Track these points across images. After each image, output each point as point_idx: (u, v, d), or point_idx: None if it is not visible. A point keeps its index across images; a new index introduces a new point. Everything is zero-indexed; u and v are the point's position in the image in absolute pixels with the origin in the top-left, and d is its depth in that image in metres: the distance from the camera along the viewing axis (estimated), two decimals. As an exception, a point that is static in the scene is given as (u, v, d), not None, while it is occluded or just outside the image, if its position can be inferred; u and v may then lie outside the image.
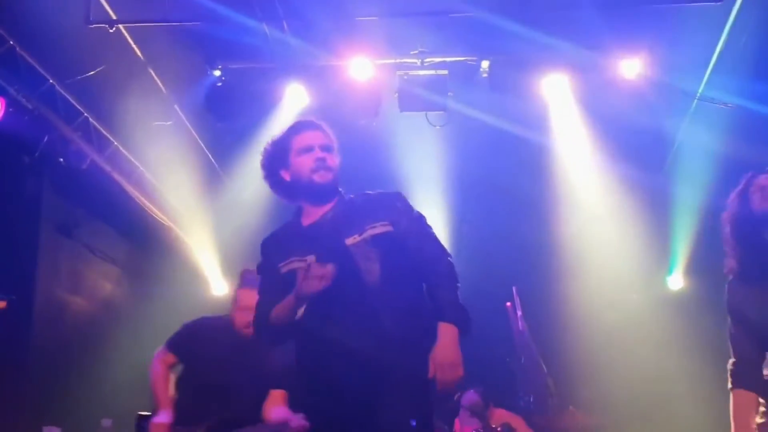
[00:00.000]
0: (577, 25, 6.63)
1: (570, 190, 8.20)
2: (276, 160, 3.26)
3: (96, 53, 6.50)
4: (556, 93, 7.34)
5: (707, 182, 7.70)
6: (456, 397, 6.42)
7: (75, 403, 6.67)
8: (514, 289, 7.01)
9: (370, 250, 3.06)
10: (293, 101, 7.33)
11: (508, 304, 7.23)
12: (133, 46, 6.70)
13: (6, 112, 5.76)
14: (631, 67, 6.92)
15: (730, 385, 3.40)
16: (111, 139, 7.21)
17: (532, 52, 6.92)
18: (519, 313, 6.73)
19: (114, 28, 6.39)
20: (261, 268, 3.29)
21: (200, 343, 4.53)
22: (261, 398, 4.47)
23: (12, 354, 6.11)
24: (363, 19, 6.71)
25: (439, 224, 6.13)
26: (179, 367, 4.63)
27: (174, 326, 7.67)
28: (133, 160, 7.53)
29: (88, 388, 6.92)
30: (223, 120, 7.33)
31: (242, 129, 7.62)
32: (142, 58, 6.81)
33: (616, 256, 8.38)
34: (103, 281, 8.00)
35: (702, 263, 8.37)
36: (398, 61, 7.10)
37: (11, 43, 5.87)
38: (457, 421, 6.32)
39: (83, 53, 6.43)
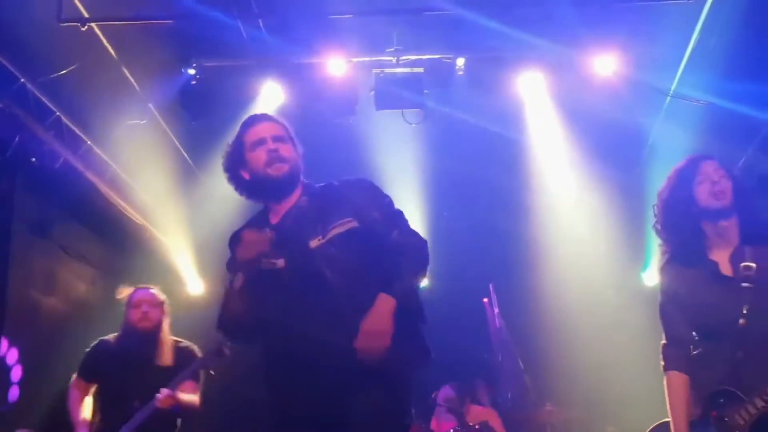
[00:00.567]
0: (552, 23, 6.65)
1: (546, 187, 8.24)
2: (234, 160, 3.23)
3: (68, 51, 6.42)
4: (532, 90, 7.36)
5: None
6: (433, 394, 6.45)
7: (48, 406, 6.57)
8: (490, 286, 7.03)
9: (335, 252, 2.99)
10: (269, 99, 7.28)
11: (485, 300, 7.25)
12: (106, 44, 6.62)
13: (-24, 112, 5.69)
14: (605, 64, 6.96)
15: (662, 365, 3.52)
16: (84, 138, 7.14)
17: (507, 49, 6.94)
18: (496, 310, 6.76)
19: (86, 26, 6.31)
20: (230, 265, 3.22)
21: (102, 361, 4.92)
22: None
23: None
24: (338, 17, 6.69)
25: (416, 221, 6.12)
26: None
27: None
28: (106, 159, 7.46)
29: (62, 391, 6.83)
30: (197, 118, 7.27)
31: (217, 127, 7.53)
32: (115, 56, 6.73)
33: (592, 252, 8.43)
34: (78, 281, 7.92)
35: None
36: (374, 59, 7.08)
37: (-19, 41, 5.79)
38: (434, 418, 6.34)
39: (55, 51, 6.35)
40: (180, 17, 6.53)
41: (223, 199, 7.92)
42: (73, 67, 6.40)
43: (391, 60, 7.05)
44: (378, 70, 7.11)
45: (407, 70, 7.10)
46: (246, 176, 3.19)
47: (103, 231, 8.11)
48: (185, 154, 8.13)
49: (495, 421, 6.24)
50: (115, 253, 8.36)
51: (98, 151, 7.34)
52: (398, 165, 7.80)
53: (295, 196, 3.18)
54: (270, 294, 3.03)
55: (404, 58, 7.04)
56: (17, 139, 6.31)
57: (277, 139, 3.15)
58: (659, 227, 3.58)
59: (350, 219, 3.04)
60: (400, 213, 3.17)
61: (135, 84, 7.05)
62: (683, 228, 3.44)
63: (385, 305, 2.90)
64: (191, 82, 7.11)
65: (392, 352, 2.90)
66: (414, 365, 3.05)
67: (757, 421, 3.17)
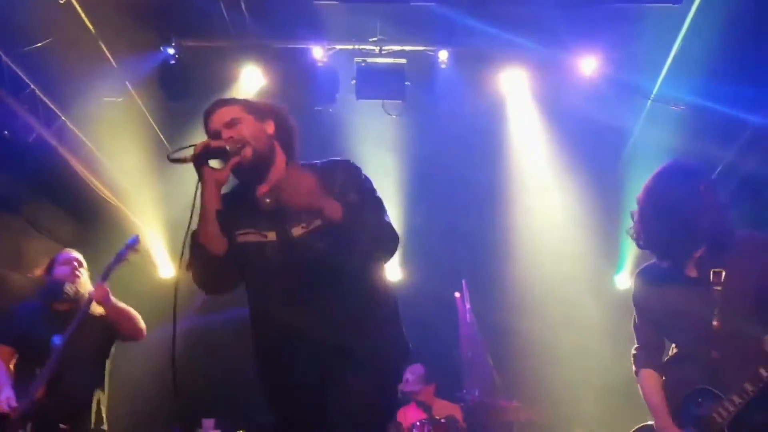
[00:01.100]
0: (537, 21, 6.64)
1: (524, 185, 8.23)
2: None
3: (45, 25, 6.29)
4: (514, 87, 7.37)
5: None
6: (400, 386, 6.43)
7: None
8: (463, 281, 7.02)
9: (317, 241, 2.94)
10: (248, 83, 7.23)
11: (457, 294, 7.24)
12: (84, 18, 6.50)
13: (-53, 81, 5.57)
14: (588, 64, 6.98)
15: (634, 369, 3.63)
16: (58, 113, 7.01)
17: (491, 45, 6.92)
18: (467, 306, 6.73)
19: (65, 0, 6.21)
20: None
21: (17, 324, 4.85)
22: (86, 353, 4.78)
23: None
24: (322, 3, 6.62)
25: (392, 214, 6.12)
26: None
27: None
28: (80, 135, 7.34)
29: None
30: (175, 98, 7.19)
31: (194, 109, 7.44)
32: (93, 31, 6.62)
33: (566, 252, 8.43)
34: (46, 258, 7.75)
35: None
36: (356, 47, 7.05)
37: (-44, 10, 5.67)
38: (401, 410, 6.32)
39: (32, 24, 6.22)
40: (161, -6, 6.45)
41: (196, 182, 7.85)
42: (50, 40, 6.28)
43: (373, 49, 7.03)
44: (360, 59, 7.08)
45: (389, 60, 7.07)
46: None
47: (75, 209, 7.99)
48: (161, 135, 8.03)
49: (460, 416, 6.25)
50: (85, 231, 8.23)
51: (73, 127, 7.22)
52: (376, 155, 7.75)
53: (280, 169, 3.08)
54: (257, 264, 3.00)
55: (387, 48, 7.02)
56: (-12, 111, 6.20)
57: (229, 124, 3.04)
58: (641, 227, 3.56)
59: (333, 208, 2.93)
60: (379, 200, 3.11)
61: (112, 60, 6.94)
62: (671, 230, 3.45)
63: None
64: (170, 61, 7.03)
65: (380, 343, 2.93)
66: (399, 358, 3.08)
67: (736, 418, 3.21)
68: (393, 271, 8.12)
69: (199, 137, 8.35)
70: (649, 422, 3.58)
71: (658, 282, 3.51)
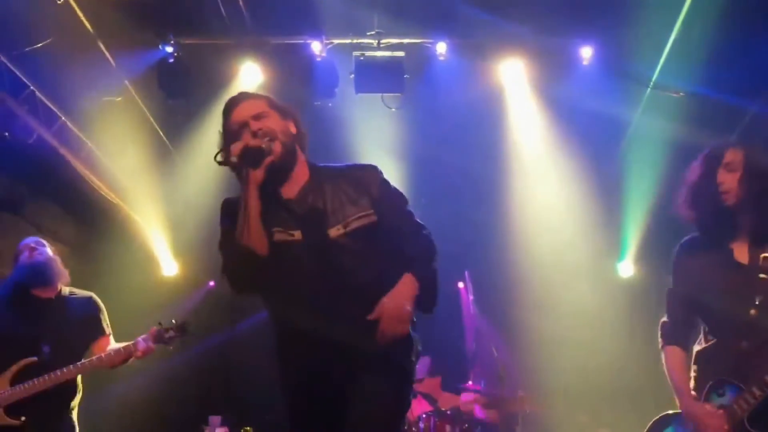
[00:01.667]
0: (534, 11, 6.64)
1: (524, 175, 8.23)
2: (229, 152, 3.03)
3: (44, 25, 6.29)
4: (512, 77, 7.38)
5: (659, 169, 7.79)
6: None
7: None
8: (466, 273, 7.02)
9: (354, 243, 2.95)
10: (248, 79, 7.24)
11: (461, 285, 7.24)
12: (83, 18, 6.51)
13: (-54, 83, 5.58)
14: (586, 53, 6.99)
15: (660, 343, 3.56)
16: (58, 113, 7.02)
17: (489, 36, 6.93)
18: (471, 297, 6.75)
19: (63, 0, 6.21)
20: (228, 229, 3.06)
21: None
22: (68, 341, 4.66)
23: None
24: (320, -3, 6.64)
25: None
26: None
27: (122, 306, 7.57)
28: (81, 135, 7.35)
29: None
30: (174, 97, 7.20)
31: (195, 106, 7.50)
32: (91, 31, 6.62)
33: (568, 241, 8.44)
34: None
35: (652, 251, 8.48)
36: (355, 41, 7.05)
37: (-45, 12, 5.67)
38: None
39: (31, 25, 6.23)
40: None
41: (198, 180, 7.86)
42: (49, 41, 6.29)
43: (372, 43, 7.03)
44: (358, 53, 7.08)
45: (388, 54, 7.07)
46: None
47: (76, 209, 8.01)
48: (161, 133, 8.04)
49: (467, 407, 6.27)
50: (87, 231, 8.26)
51: (73, 127, 7.23)
52: (376, 148, 7.76)
53: (302, 170, 3.08)
54: (283, 263, 2.96)
55: (385, 41, 7.01)
56: (-12, 113, 6.21)
57: (258, 116, 3.00)
58: (683, 212, 3.53)
59: (370, 212, 2.99)
60: (407, 210, 3.13)
61: (111, 60, 6.94)
62: (704, 214, 3.44)
63: (408, 286, 2.89)
64: (169, 59, 7.03)
65: (400, 346, 2.93)
66: (415, 360, 3.07)
67: (755, 410, 3.19)
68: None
69: (200, 134, 8.40)
70: (670, 411, 3.53)
71: (701, 257, 3.44)
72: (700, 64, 6.71)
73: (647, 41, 6.86)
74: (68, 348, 4.67)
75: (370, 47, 7.03)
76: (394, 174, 8.67)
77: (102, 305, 4.96)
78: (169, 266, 8.90)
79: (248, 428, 7.41)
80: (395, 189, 3.13)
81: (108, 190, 7.80)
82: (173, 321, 4.76)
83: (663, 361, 3.53)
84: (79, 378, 4.72)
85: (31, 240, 4.95)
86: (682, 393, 3.43)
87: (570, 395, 7.84)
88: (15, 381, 4.49)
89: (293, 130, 3.08)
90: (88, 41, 6.71)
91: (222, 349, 8.42)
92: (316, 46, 6.97)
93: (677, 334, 3.52)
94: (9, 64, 6.30)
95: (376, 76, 7.04)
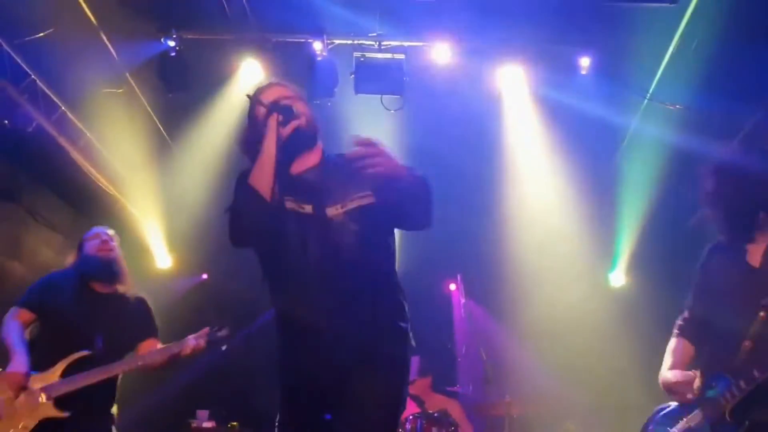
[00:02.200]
0: (535, 17, 6.68)
1: (520, 181, 8.27)
2: (252, 139, 3.15)
3: (47, 14, 6.32)
4: (511, 82, 7.42)
5: (654, 178, 7.84)
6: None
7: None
8: (458, 276, 7.06)
9: (351, 223, 3.02)
10: (248, 76, 7.27)
11: (452, 287, 7.26)
12: (85, 8, 6.53)
13: (-52, 70, 5.59)
14: (584, 61, 7.04)
15: (675, 333, 3.66)
16: (59, 103, 7.04)
17: (489, 40, 6.97)
18: (462, 300, 6.78)
19: (66, -11, 6.24)
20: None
21: (52, 293, 4.63)
22: (121, 337, 4.64)
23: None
24: (322, -4, 6.68)
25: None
26: (33, 327, 4.66)
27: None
28: (80, 126, 7.37)
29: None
30: (174, 90, 7.22)
31: (194, 101, 7.52)
32: (94, 21, 6.65)
33: (560, 248, 8.48)
34: (44, 248, 7.84)
35: (644, 262, 8.53)
36: (355, 42, 7.08)
37: (-41, -2, 5.69)
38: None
39: (34, 14, 6.25)
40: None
41: (195, 175, 7.89)
42: (51, 30, 6.31)
43: (372, 45, 7.06)
44: (359, 54, 7.12)
45: (388, 55, 7.11)
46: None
47: (73, 199, 8.03)
48: (160, 127, 8.07)
49: (455, 411, 6.28)
50: (84, 221, 8.23)
51: (72, 117, 7.25)
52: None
53: (317, 154, 3.22)
54: (288, 232, 3.03)
55: (386, 43, 7.05)
56: (-11, 100, 6.23)
57: (288, 98, 3.18)
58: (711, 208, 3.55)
59: (369, 193, 3.06)
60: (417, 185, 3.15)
61: (113, 51, 6.97)
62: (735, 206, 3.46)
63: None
64: (170, 53, 7.06)
65: (396, 334, 3.00)
66: (410, 353, 3.12)
67: (740, 403, 3.24)
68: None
69: (199, 128, 8.39)
70: (671, 403, 3.61)
71: (719, 258, 3.51)
72: (699, 76, 6.75)
73: (646, 51, 6.91)
74: (119, 344, 4.64)
75: (371, 48, 7.07)
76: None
77: (151, 306, 4.90)
78: (163, 259, 8.93)
79: (234, 423, 7.45)
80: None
81: (105, 181, 7.82)
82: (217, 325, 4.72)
83: (668, 346, 3.64)
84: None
85: (102, 231, 4.88)
86: (666, 366, 3.56)
87: (557, 402, 7.88)
88: (65, 373, 4.43)
89: (314, 119, 3.24)
90: (90, 32, 6.74)
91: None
92: (317, 46, 7.01)
93: (689, 329, 3.62)
94: (11, 52, 6.31)
95: (376, 78, 7.08)
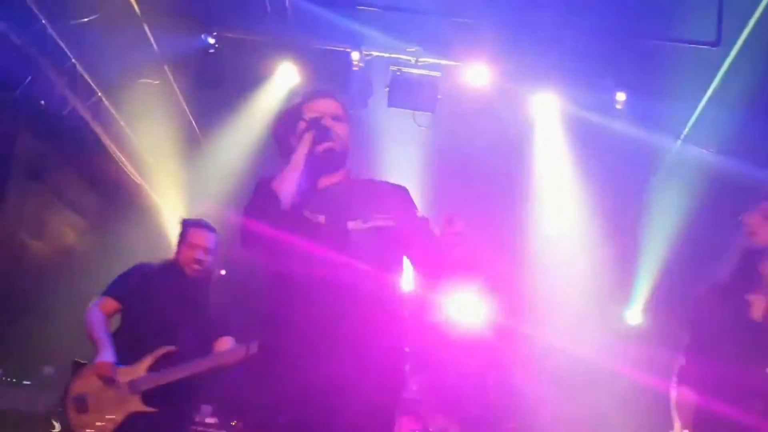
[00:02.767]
0: (574, 48, 6.67)
1: (544, 208, 8.23)
2: (287, 128, 3.23)
3: (93, 1, 6.42)
4: (544, 110, 7.42)
5: (681, 219, 7.77)
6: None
7: (19, 346, 6.60)
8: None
9: (370, 241, 3.03)
10: (284, 79, 7.32)
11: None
12: (132, -1, 6.64)
13: (-7, 44, 5.68)
14: (621, 96, 7.02)
15: (674, 381, 3.62)
16: (96, 89, 7.13)
17: (525, 67, 6.96)
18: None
19: (116, -22, 6.33)
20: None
21: (140, 286, 4.54)
22: (205, 335, 4.53)
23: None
24: (364, 8, 6.71)
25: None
26: (117, 318, 4.60)
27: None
28: (114, 113, 7.46)
29: (35, 334, 6.85)
30: (210, 87, 7.30)
31: (228, 99, 7.59)
32: (138, 12, 6.74)
33: (578, 279, 8.39)
34: (68, 230, 7.92)
35: (663, 302, 8.43)
36: (393, 56, 7.12)
37: (8, -22, 5.80)
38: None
39: (80, -1, 6.36)
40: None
41: (221, 171, 7.95)
42: (95, 16, 6.40)
43: (409, 60, 7.09)
44: (395, 68, 7.15)
45: (424, 72, 7.13)
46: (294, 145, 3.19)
47: (100, 184, 8.10)
48: (192, 121, 8.14)
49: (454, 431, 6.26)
50: (108, 207, 8.34)
51: (108, 104, 7.33)
52: (400, 162, 7.80)
53: (341, 174, 3.23)
54: (306, 241, 3.03)
55: (423, 60, 7.07)
56: (29, 79, 6.31)
57: (336, 117, 3.20)
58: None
59: (390, 216, 3.08)
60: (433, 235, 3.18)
61: (154, 43, 7.05)
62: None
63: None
64: (209, 50, 7.13)
65: (393, 347, 3.00)
66: (404, 365, 3.10)
67: None
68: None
69: (230, 127, 8.42)
70: None
71: (720, 306, 3.52)
72: (733, 126, 6.70)
73: (683, 91, 6.87)
74: (202, 340, 4.52)
75: (407, 63, 7.11)
76: (413, 189, 8.72)
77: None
78: (183, 252, 8.96)
79: (234, 423, 7.44)
80: (422, 214, 3.19)
81: (133, 169, 7.90)
82: None
83: (671, 399, 3.59)
84: None
85: (204, 224, 4.74)
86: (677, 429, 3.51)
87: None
88: (152, 368, 4.34)
89: (348, 143, 3.25)
90: (134, 22, 6.83)
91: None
92: (354, 56, 7.05)
93: (689, 376, 3.56)
94: (55, 35, 6.41)
95: (410, 93, 7.11)
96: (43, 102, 6.62)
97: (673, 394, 3.59)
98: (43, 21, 6.23)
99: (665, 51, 6.54)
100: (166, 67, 7.37)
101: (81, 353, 7.27)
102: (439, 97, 7.12)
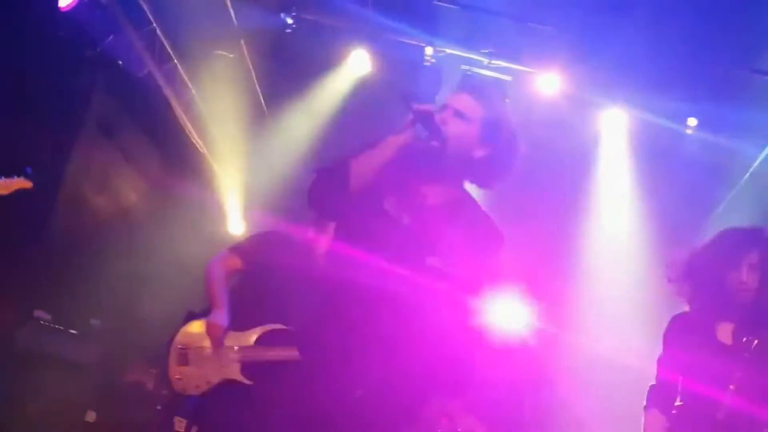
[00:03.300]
0: (650, 69, 6.57)
1: (600, 223, 8.12)
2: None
3: (178, -33, 6.55)
4: (612, 127, 7.33)
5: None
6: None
7: (71, 295, 6.78)
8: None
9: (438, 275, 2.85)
10: (355, 66, 7.38)
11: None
12: (217, -29, 6.75)
13: (80, 1, 5.82)
14: (692, 121, 6.92)
15: (645, 404, 3.77)
16: (173, 55, 7.25)
17: (599, 80, 6.88)
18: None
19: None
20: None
21: (268, 253, 4.45)
22: None
23: (25, 234, 6.22)
24: (442, 4, 6.71)
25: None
26: (236, 277, 4.54)
27: (182, 251, 7.80)
28: (187, 81, 7.60)
29: (87, 286, 7.04)
30: (282, 66, 7.39)
31: (299, 80, 7.67)
32: (222, -17, 6.85)
33: (626, 304, 8.26)
34: (129, 190, 8.10)
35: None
36: (466, 55, 7.09)
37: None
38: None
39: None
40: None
41: (283, 150, 8.04)
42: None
43: (482, 61, 7.05)
44: (467, 67, 7.12)
45: (495, 74, 7.09)
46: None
47: (166, 149, 8.25)
48: (261, 98, 8.24)
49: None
50: (170, 172, 8.48)
51: (182, 71, 7.47)
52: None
53: (457, 191, 2.99)
54: (377, 237, 2.86)
55: (496, 62, 7.03)
56: (110, 38, 6.47)
57: (457, 113, 2.91)
58: (678, 285, 3.78)
59: (463, 267, 2.88)
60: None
61: (234, 17, 7.16)
62: (706, 296, 3.66)
63: None
64: (286, 29, 7.20)
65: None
66: None
67: None
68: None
69: (297, 107, 8.48)
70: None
71: (689, 335, 3.64)
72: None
73: (756, 127, 6.73)
74: None
75: (479, 64, 7.07)
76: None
77: None
78: (237, 225, 9.08)
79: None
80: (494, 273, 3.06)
81: (198, 138, 8.03)
82: None
83: (642, 422, 3.73)
84: None
85: None
86: None
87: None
88: (260, 340, 4.24)
89: (479, 153, 2.96)
90: (217, -6, 6.94)
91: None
92: (428, 51, 7.05)
93: (659, 399, 3.69)
94: (140, -2, 6.56)
95: (478, 95, 7.07)
96: (121, 62, 6.79)
97: (645, 417, 3.73)
98: (131, -17, 6.38)
99: (743, 81, 6.39)
100: (242, 42, 7.47)
101: (130, 311, 7.50)
102: (507, 101, 7.08)
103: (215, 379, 4.25)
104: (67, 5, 5.71)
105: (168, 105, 7.46)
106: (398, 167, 2.87)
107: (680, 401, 3.60)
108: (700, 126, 6.96)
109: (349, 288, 2.83)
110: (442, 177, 2.96)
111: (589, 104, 7.18)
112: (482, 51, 6.99)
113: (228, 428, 4.17)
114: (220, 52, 7.44)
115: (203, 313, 4.42)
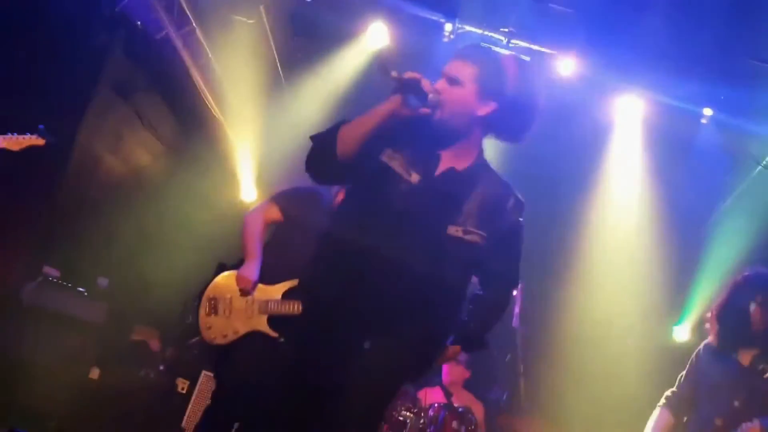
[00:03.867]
0: (668, 57, 6.53)
1: (606, 215, 8.11)
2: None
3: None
4: (626, 114, 7.30)
5: (747, 247, 7.58)
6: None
7: (80, 253, 6.85)
8: (520, 284, 6.98)
9: (457, 249, 2.89)
10: (373, 38, 7.36)
11: (515, 292, 7.15)
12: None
13: (100, -39, 5.84)
14: (708, 112, 6.89)
15: (661, 403, 4.09)
16: (191, 18, 7.24)
17: (616, 64, 6.85)
18: (516, 310, 6.74)
19: None
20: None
21: (307, 208, 4.50)
22: None
23: (37, 191, 6.28)
24: (464, -19, 6.69)
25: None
26: (272, 228, 4.60)
27: (195, 214, 7.84)
28: (205, 45, 7.59)
29: (97, 245, 7.10)
30: (301, 34, 7.38)
31: (317, 49, 7.65)
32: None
33: (631, 290, 8.28)
34: (143, 151, 8.13)
35: (714, 323, 8.25)
36: (485, 33, 7.05)
37: None
38: (424, 388, 6.36)
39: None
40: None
41: (298, 119, 8.03)
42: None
43: (501, 40, 7.01)
44: (485, 45, 7.06)
45: (514, 54, 7.04)
46: None
47: (180, 112, 8.26)
48: (279, 66, 8.22)
49: (479, 413, 6.30)
50: (185, 136, 8.51)
51: (200, 35, 7.46)
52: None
53: (473, 152, 2.99)
54: (386, 193, 2.89)
55: (515, 42, 6.99)
56: (129, -1, 6.48)
57: (450, 80, 2.89)
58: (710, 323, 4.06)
59: (482, 233, 2.91)
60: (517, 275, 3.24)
61: (254, -19, 7.14)
62: (729, 332, 3.95)
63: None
64: (307, -1, 7.19)
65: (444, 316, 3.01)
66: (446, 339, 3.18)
67: None
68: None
69: (314, 77, 8.44)
70: None
71: (713, 361, 3.94)
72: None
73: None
74: None
75: (498, 43, 7.02)
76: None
77: None
78: (249, 192, 9.10)
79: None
80: (521, 239, 3.12)
81: (214, 103, 8.04)
82: None
83: (651, 417, 4.04)
84: None
85: None
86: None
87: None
88: (287, 295, 4.36)
89: (481, 112, 2.92)
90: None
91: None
92: (447, 27, 7.02)
93: (674, 402, 4.03)
94: (159, -41, 6.55)
95: (492, 74, 7.04)
96: (139, 23, 6.79)
97: (656, 411, 4.04)
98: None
99: (762, 70, 6.35)
100: (261, 8, 7.45)
101: (138, 272, 7.55)
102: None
103: (242, 330, 4.40)
104: (88, -36, 5.72)
105: (185, 68, 7.46)
106: (402, 134, 2.90)
107: (692, 409, 3.93)
108: (716, 115, 6.92)
109: (356, 246, 2.87)
110: (452, 142, 2.95)
111: (605, 88, 7.14)
112: (502, 30, 6.95)
113: (247, 377, 4.27)
114: (238, 17, 7.43)
115: (235, 266, 4.54)
